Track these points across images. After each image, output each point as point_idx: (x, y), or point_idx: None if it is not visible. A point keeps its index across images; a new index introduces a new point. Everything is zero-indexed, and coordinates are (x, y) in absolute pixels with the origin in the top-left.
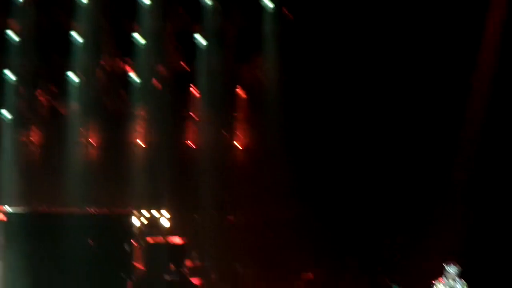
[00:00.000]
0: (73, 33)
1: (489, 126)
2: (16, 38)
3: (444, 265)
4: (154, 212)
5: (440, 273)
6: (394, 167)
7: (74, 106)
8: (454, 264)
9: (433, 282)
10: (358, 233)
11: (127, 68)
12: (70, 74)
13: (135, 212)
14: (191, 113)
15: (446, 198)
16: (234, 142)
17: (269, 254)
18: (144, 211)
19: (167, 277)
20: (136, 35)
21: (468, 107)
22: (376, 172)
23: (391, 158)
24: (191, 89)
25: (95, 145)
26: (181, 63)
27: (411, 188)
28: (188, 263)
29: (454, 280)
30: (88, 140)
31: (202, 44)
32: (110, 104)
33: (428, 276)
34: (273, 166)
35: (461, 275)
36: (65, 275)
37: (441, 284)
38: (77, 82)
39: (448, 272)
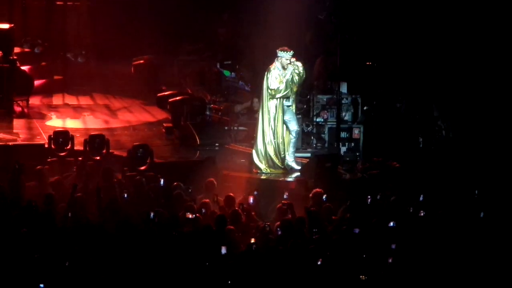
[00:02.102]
0: None
1: None
2: None
3: (277, 50)
4: None
5: None
6: None
7: None
8: (286, 50)
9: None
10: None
11: None
12: None
13: None
14: None
15: None
16: None
17: (105, 39)
18: None
19: None
20: None
21: None
22: None
23: None
24: None
25: None
26: None
27: None
28: (16, 49)
29: (286, 64)
30: None
31: None
32: None
33: None
34: None
35: None
36: None
37: (274, 67)
38: None
39: (281, 57)
